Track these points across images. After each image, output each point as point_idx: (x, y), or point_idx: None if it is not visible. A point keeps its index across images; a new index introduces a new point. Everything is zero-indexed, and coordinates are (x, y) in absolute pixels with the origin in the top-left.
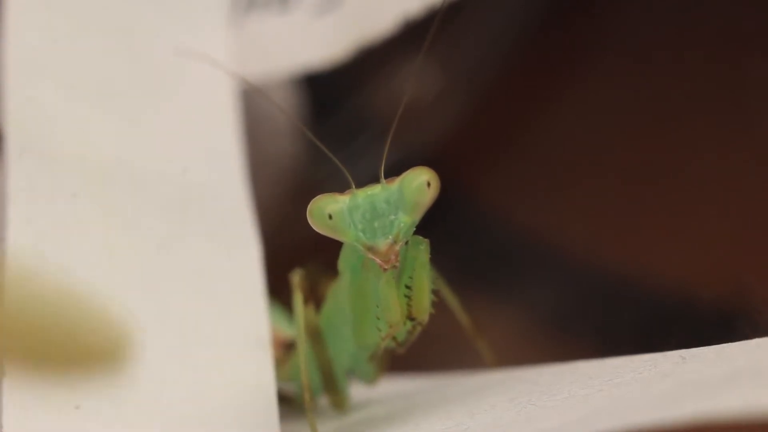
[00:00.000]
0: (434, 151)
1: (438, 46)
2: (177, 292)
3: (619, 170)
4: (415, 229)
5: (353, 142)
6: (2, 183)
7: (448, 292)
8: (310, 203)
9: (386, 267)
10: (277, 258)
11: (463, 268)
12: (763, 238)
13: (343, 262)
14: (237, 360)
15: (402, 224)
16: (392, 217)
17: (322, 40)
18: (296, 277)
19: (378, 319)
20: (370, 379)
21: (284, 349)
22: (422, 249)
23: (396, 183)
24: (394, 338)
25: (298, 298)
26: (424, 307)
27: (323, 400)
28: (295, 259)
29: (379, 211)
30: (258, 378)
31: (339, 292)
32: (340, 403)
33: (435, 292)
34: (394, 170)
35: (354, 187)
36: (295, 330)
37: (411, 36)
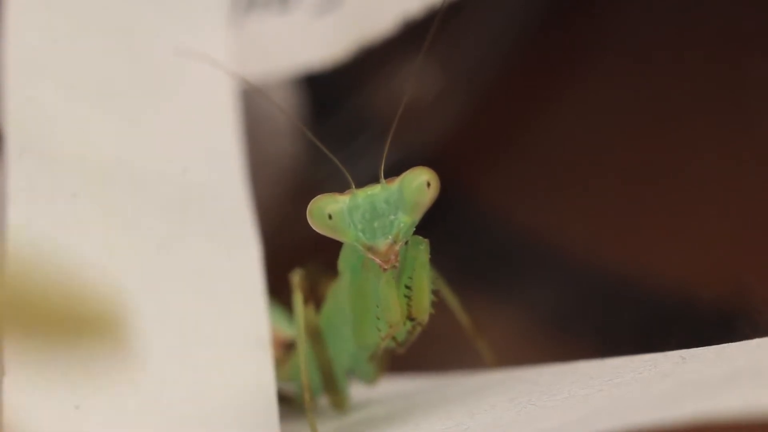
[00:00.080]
0: (434, 151)
1: (438, 46)
2: (177, 292)
3: (619, 170)
4: (415, 229)
5: (353, 142)
6: (2, 183)
7: (448, 292)
8: (310, 203)
9: (386, 267)
10: (277, 258)
11: (463, 268)
12: (763, 238)
13: (343, 262)
14: (237, 360)
15: (402, 224)
16: (392, 217)
17: (322, 40)
18: (296, 277)
19: (378, 319)
20: (370, 379)
21: (284, 349)
22: (422, 249)
23: (396, 183)
24: (394, 338)
25: (298, 298)
26: (424, 307)
27: (323, 400)
28: (295, 259)
29: (379, 211)
30: (258, 378)
31: (339, 292)
32: (340, 403)
33: (435, 292)
34: (394, 170)
35: (354, 187)
36: (295, 330)
37: (411, 36)
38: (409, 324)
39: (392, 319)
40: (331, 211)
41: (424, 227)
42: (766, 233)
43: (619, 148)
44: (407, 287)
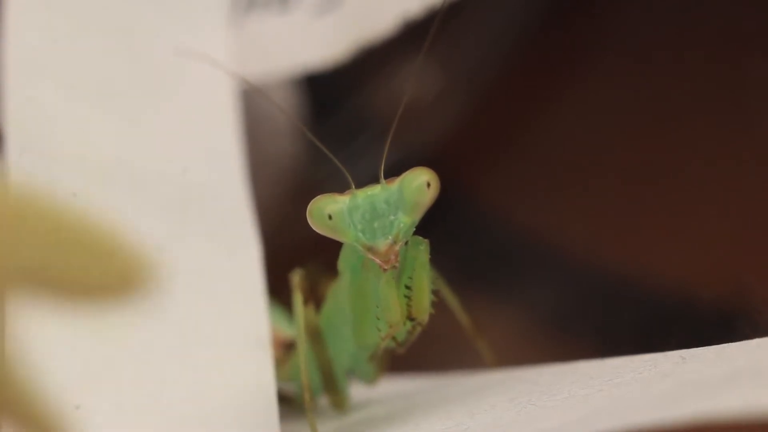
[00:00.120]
0: (434, 151)
1: (438, 46)
2: (177, 293)
3: (619, 170)
4: (415, 229)
5: (353, 142)
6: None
7: (448, 292)
8: (310, 203)
9: (386, 267)
10: (277, 258)
11: (463, 268)
12: (763, 238)
13: (343, 262)
14: (237, 360)
15: (402, 224)
16: (392, 217)
17: (322, 40)
18: (296, 277)
19: (378, 319)
20: (370, 379)
21: (284, 349)
22: (422, 249)
23: (396, 183)
24: (394, 338)
25: (298, 298)
26: (424, 307)
27: (323, 400)
28: (295, 259)
29: (379, 212)
30: (258, 378)
31: (339, 292)
32: (340, 403)
33: (435, 292)
34: (394, 170)
35: (354, 187)
36: (295, 330)
37: (411, 36)
38: (409, 324)
39: (392, 319)
40: (331, 212)
41: (424, 227)
42: (766, 233)
43: (619, 148)
44: (407, 287)
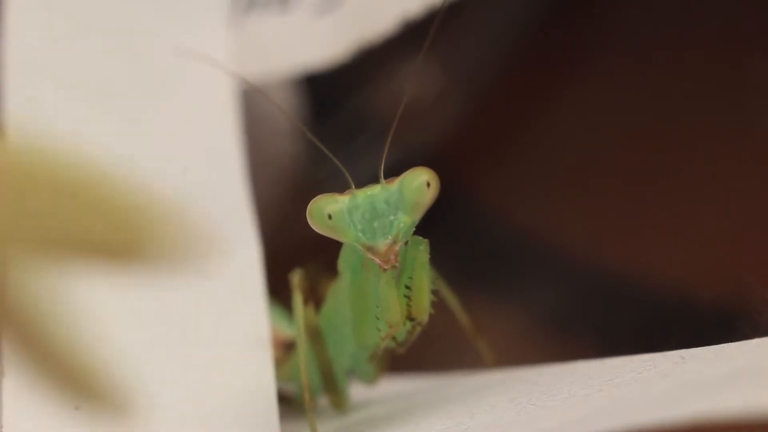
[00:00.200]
0: (434, 151)
1: (438, 46)
2: (177, 292)
3: (619, 170)
4: (414, 229)
5: (353, 142)
6: None
7: (448, 292)
8: (310, 203)
9: (386, 267)
10: (277, 258)
11: (463, 268)
12: (763, 238)
13: (343, 262)
14: (237, 360)
15: (402, 224)
16: (392, 217)
17: (322, 40)
18: (296, 277)
19: (378, 319)
20: (370, 379)
21: (284, 349)
22: (422, 249)
23: (396, 183)
24: (394, 338)
25: (298, 298)
26: (424, 307)
27: (323, 400)
28: (295, 259)
29: (379, 212)
30: (258, 378)
31: (339, 292)
32: (340, 403)
33: (435, 292)
34: (394, 170)
35: (354, 187)
36: (295, 330)
37: (411, 36)
38: (409, 324)
39: (392, 319)
40: (331, 211)
41: (424, 227)
42: (766, 233)
43: (619, 148)
44: (407, 287)
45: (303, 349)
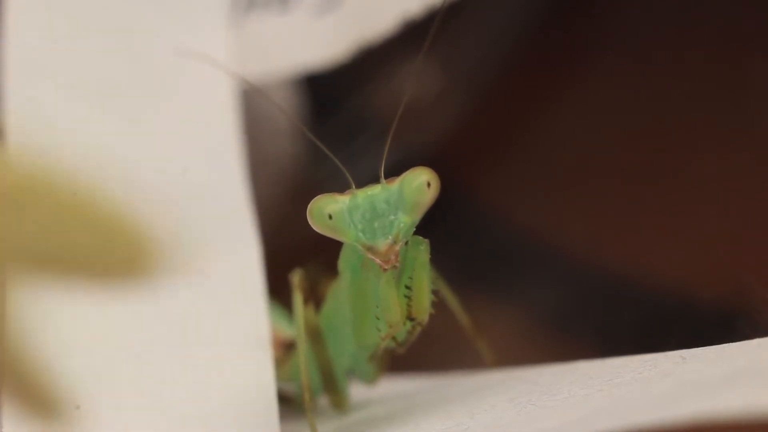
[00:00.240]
0: (434, 151)
1: (438, 46)
2: (177, 292)
3: (619, 170)
4: (415, 229)
5: (353, 142)
6: None
7: (448, 292)
8: (310, 203)
9: (386, 267)
10: (277, 258)
11: (463, 268)
12: (763, 238)
13: (343, 262)
14: (237, 360)
15: (402, 224)
16: (392, 217)
17: (322, 40)
18: (296, 277)
19: (378, 319)
20: (370, 379)
21: (284, 349)
22: (422, 249)
23: (396, 183)
24: (394, 338)
25: (298, 298)
26: (424, 307)
27: (323, 400)
28: (295, 259)
29: (379, 212)
30: (258, 378)
31: (339, 292)
32: (340, 403)
33: (435, 292)
34: (394, 170)
35: (354, 187)
36: (295, 330)
37: (411, 36)
38: (409, 324)
39: (392, 319)
40: (331, 211)
41: (424, 227)
42: (766, 233)
43: (619, 148)
44: (407, 287)
45: (303, 349)
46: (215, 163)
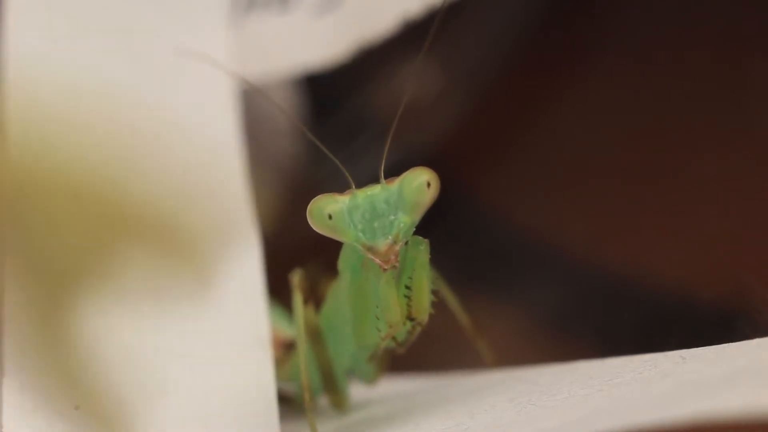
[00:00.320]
0: (434, 151)
1: (438, 46)
2: (177, 293)
3: (619, 170)
4: (415, 229)
5: (353, 142)
6: None
7: (448, 292)
8: (310, 203)
9: (386, 267)
10: (277, 258)
11: (463, 268)
12: (763, 238)
13: (343, 262)
14: (237, 360)
15: (402, 224)
16: (392, 217)
17: (322, 40)
18: (296, 277)
19: (378, 319)
20: (370, 379)
21: (284, 349)
22: (422, 249)
23: (396, 183)
24: (394, 338)
25: (298, 298)
26: (424, 307)
27: (323, 400)
28: (295, 259)
29: (379, 212)
30: (258, 378)
31: (339, 292)
32: (340, 403)
33: (435, 292)
34: (394, 170)
35: (354, 187)
36: (295, 330)
37: (411, 36)
38: (409, 324)
39: (392, 319)
40: (331, 211)
41: (424, 227)
42: (766, 233)
43: (619, 148)
44: (407, 287)
45: (303, 349)
46: (215, 163)
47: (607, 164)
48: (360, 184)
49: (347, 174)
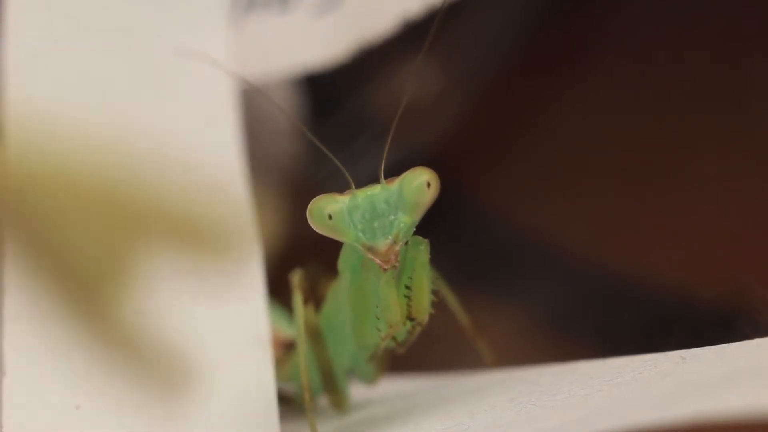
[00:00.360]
0: (434, 151)
1: (438, 46)
2: (177, 293)
3: (619, 170)
4: (415, 229)
5: (353, 142)
6: None
7: (448, 292)
8: (310, 203)
9: (386, 267)
10: (277, 258)
11: (463, 268)
12: (763, 238)
13: (343, 262)
14: (237, 360)
15: (402, 224)
16: (392, 217)
17: (322, 40)
18: (296, 277)
19: (378, 319)
20: (370, 379)
21: (284, 349)
22: (422, 249)
23: (396, 183)
24: (394, 338)
25: (298, 298)
26: (424, 307)
27: (323, 400)
28: (295, 259)
29: (379, 212)
30: (258, 378)
31: (339, 292)
32: (340, 403)
33: (435, 292)
34: (394, 170)
35: (354, 187)
36: (295, 330)
37: (411, 36)
38: (409, 324)
39: (392, 319)
40: (331, 212)
41: (424, 227)
42: (766, 233)
43: (619, 148)
44: (407, 287)
45: (303, 349)
46: (215, 163)
47: (607, 164)
48: (360, 184)
49: (347, 174)
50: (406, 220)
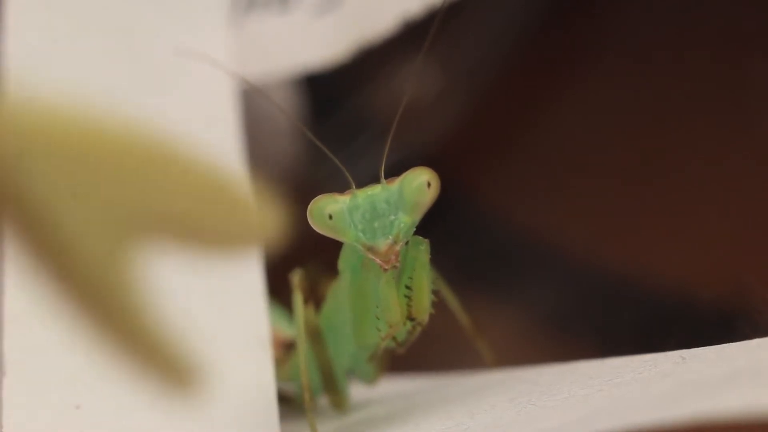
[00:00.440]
0: (434, 151)
1: (438, 46)
2: (176, 293)
3: (619, 170)
4: (415, 229)
5: (353, 142)
6: None
7: (448, 292)
8: (310, 203)
9: (386, 267)
10: (277, 258)
11: (463, 268)
12: (763, 238)
13: (343, 262)
14: (237, 360)
15: (402, 224)
16: (392, 217)
17: (322, 40)
18: (296, 277)
19: (378, 319)
20: (370, 379)
21: (284, 349)
22: (422, 249)
23: (396, 183)
24: (394, 338)
25: (298, 298)
26: (424, 307)
27: (323, 400)
28: (295, 259)
29: (379, 212)
30: (258, 378)
31: (339, 292)
32: (340, 403)
33: (435, 292)
34: (394, 170)
35: (354, 187)
36: (295, 330)
37: (411, 36)
38: (409, 324)
39: (392, 319)
40: (331, 211)
41: (424, 227)
42: (766, 233)
43: (619, 148)
44: (407, 287)
45: (303, 349)
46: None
47: (607, 164)
48: (360, 184)
49: (347, 174)
50: (407, 220)
